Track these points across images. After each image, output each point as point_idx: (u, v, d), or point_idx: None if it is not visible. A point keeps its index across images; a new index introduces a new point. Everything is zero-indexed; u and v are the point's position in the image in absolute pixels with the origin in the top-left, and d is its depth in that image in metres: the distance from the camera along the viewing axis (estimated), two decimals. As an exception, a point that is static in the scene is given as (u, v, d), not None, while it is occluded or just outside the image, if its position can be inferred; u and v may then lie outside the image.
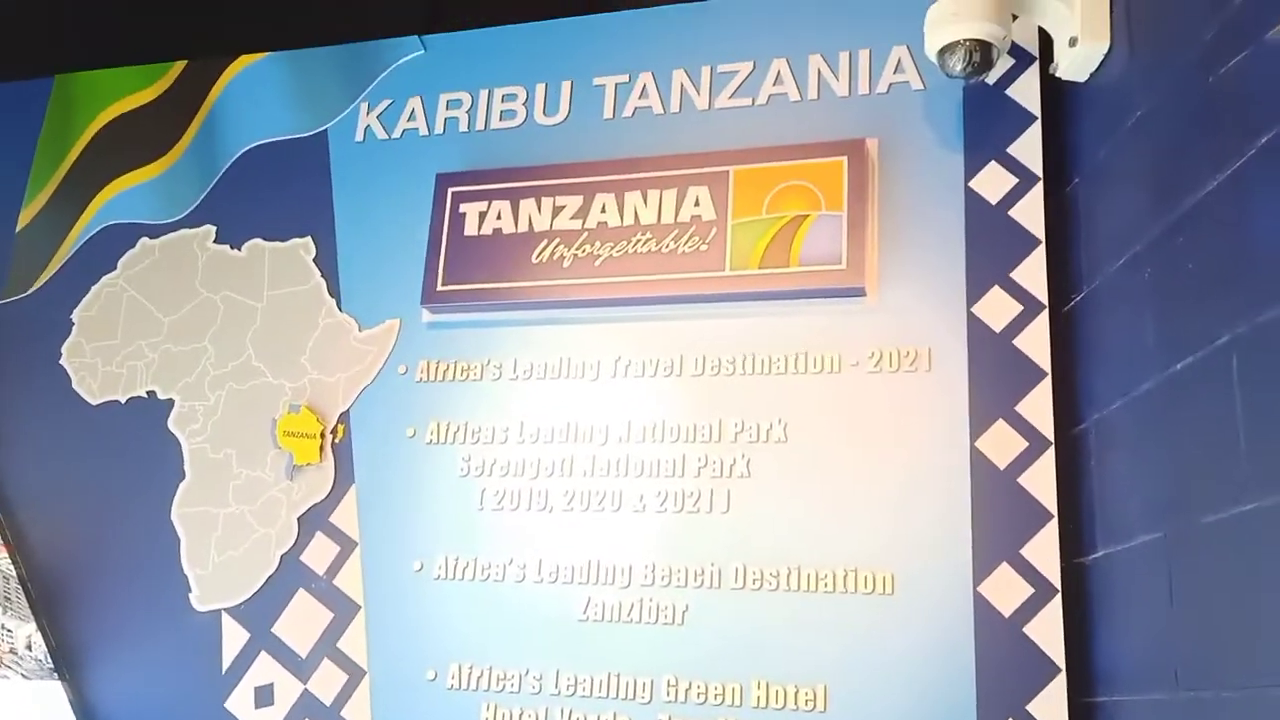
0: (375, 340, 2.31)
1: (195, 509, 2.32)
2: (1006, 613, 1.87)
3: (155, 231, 2.60)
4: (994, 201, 2.06)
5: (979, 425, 1.97)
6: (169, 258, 2.57)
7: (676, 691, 1.98)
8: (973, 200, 2.07)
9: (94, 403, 2.50)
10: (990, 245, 2.04)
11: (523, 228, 2.30)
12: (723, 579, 2.02)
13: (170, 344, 2.48)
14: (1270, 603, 1.27)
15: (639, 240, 2.22)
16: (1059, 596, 1.85)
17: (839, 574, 1.96)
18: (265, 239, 2.50)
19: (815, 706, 1.91)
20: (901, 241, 2.09)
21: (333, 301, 2.39)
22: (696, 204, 2.21)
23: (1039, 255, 2.01)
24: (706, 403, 2.13)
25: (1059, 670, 1.82)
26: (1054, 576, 1.86)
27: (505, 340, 2.26)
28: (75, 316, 2.58)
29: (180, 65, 2.74)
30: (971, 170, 2.09)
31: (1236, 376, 1.37)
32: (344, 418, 2.29)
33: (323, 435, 2.26)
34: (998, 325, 2.00)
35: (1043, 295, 1.99)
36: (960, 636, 1.88)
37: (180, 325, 2.49)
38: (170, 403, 2.42)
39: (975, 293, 2.02)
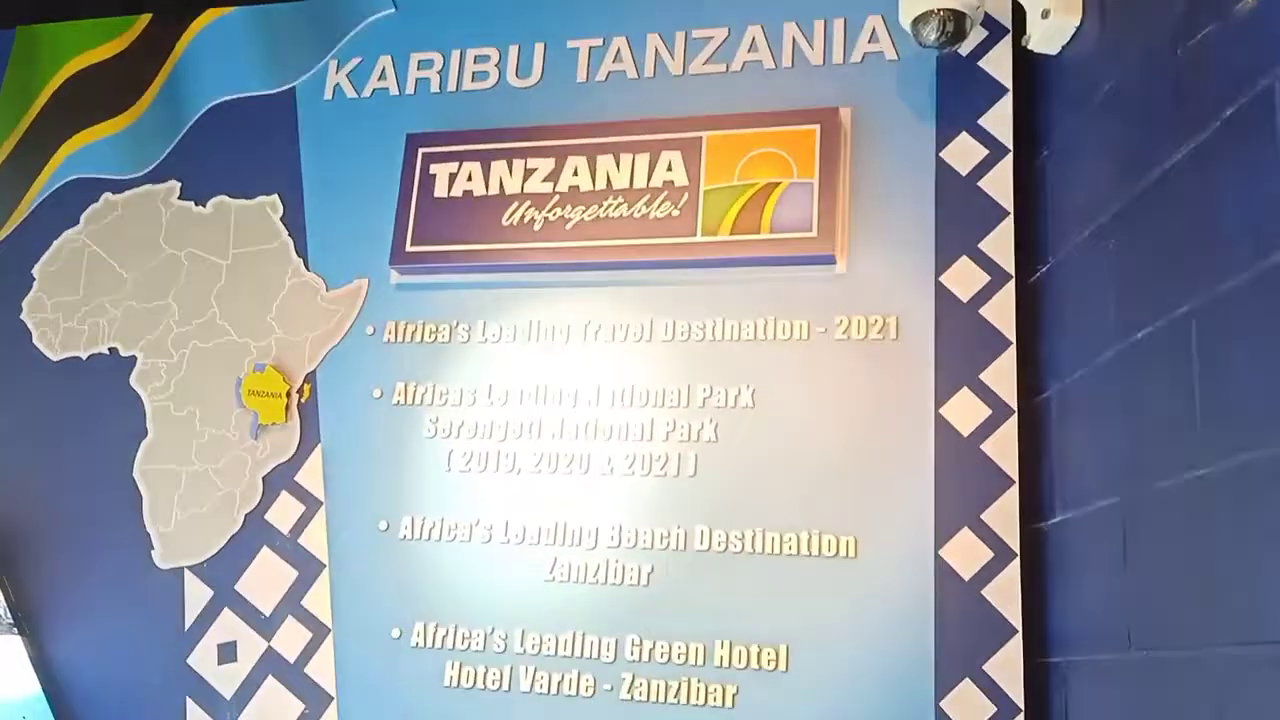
0: (343, 300, 2.30)
1: (158, 466, 2.30)
2: (966, 576, 1.90)
3: (119, 186, 2.56)
4: (964, 172, 2.08)
5: (944, 393, 2.00)
6: (132, 213, 2.53)
7: (641, 651, 2.00)
8: (943, 171, 2.09)
9: (55, 359, 2.46)
10: (959, 216, 2.06)
11: (493, 190, 2.29)
12: (689, 542, 2.04)
13: (133, 300, 2.45)
14: (1220, 565, 1.31)
15: (610, 204, 2.22)
16: (1017, 560, 1.89)
17: (803, 538, 1.99)
18: (231, 196, 2.47)
19: (778, 666, 1.94)
20: (872, 210, 2.11)
21: (300, 260, 2.37)
22: (669, 169, 2.21)
23: (1007, 226, 2.03)
24: (676, 368, 2.14)
25: (1015, 631, 1.86)
26: (1013, 541, 1.90)
27: (474, 302, 2.26)
28: (36, 271, 2.54)
29: (145, 19, 2.68)
30: (943, 141, 2.10)
31: (1195, 346, 1.40)
32: (310, 378, 2.27)
33: (288, 395, 2.25)
34: (965, 295, 2.03)
35: (1010, 266, 2.01)
36: (920, 599, 1.91)
37: (143, 282, 2.46)
38: (132, 360, 2.39)
39: (943, 262, 2.04)
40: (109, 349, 2.41)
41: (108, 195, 2.56)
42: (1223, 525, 1.31)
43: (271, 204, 2.43)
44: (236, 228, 2.44)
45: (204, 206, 2.48)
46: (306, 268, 2.36)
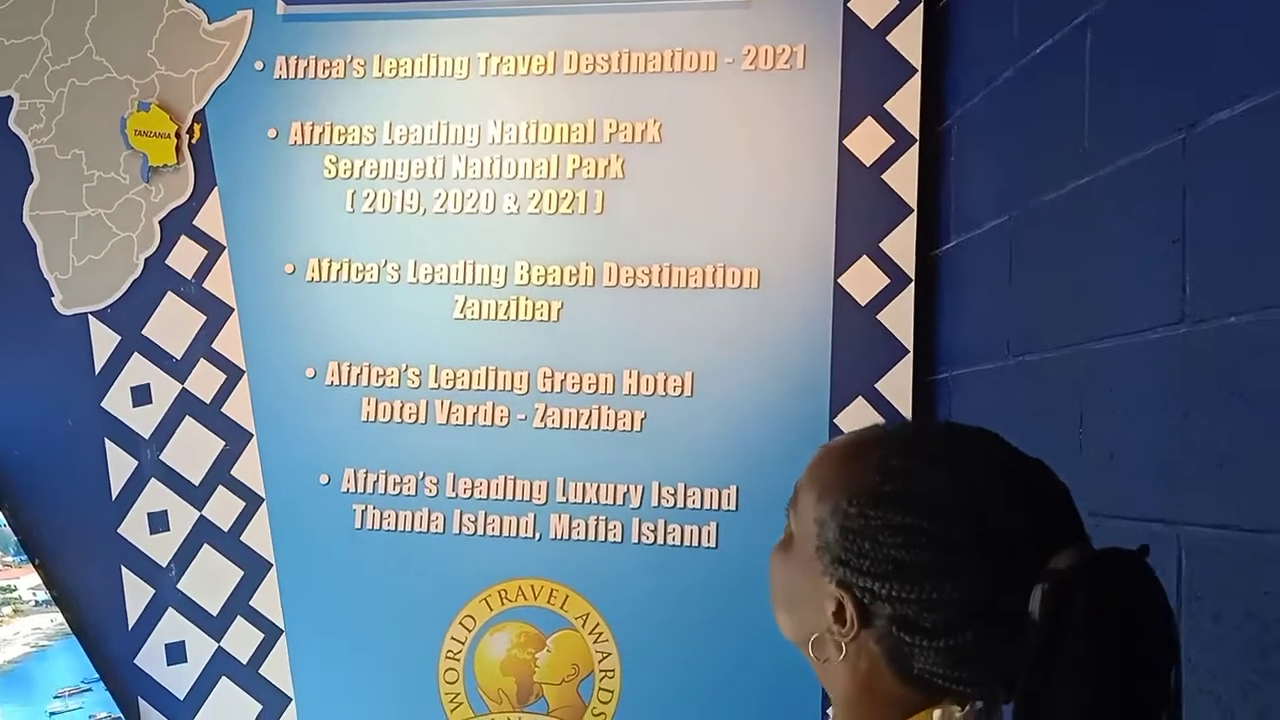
0: (226, 33, 2.16)
1: (48, 212, 2.21)
2: (863, 301, 1.98)
3: (-34, -92, 2.31)
4: (876, -111, 1.99)
5: (849, 123, 2.00)
6: (-14, -61, 2.30)
7: (552, 383, 2.06)
8: (855, -113, 2.00)
9: (-79, 101, 2.30)
10: (869, -63, 1.99)
11: (383, -91, 2.13)
12: (597, 277, 2.07)
13: (2, 36, 2.27)
14: (1095, 269, 1.37)
15: (509, -75, 2.09)
16: (912, 286, 1.96)
17: (708, 270, 2.03)
18: (95, -82, 2.26)
19: (683, 392, 2.02)
20: (781, -70, 2.02)
21: (178, -10, 2.21)
22: (570, -115, 2.08)
23: (916, -52, 1.97)
24: (582, 102, 2.10)
25: (906, 352, 1.95)
26: (909, 267, 1.96)
27: (367, 34, 2.15)
28: (-114, 6, 2.33)
29: None
30: None
31: (1089, 56, 1.41)
32: (199, 117, 2.17)
33: (178, 135, 2.15)
34: (872, 20, 1.99)
35: (917, -11, 1.97)
36: (819, 325, 1.99)
37: (10, 14, 2.27)
38: (8, 100, 2.25)
39: (852, -14, 1.99)
40: (-19, 90, 2.26)
41: (-45, -82, 2.32)
42: (1100, 230, 1.36)
43: (141, -72, 2.23)
44: (105, -46, 2.25)
45: (66, -70, 2.27)
46: (185, -2, 2.20)
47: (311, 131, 2.15)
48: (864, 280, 1.98)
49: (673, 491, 2.01)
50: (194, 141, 2.16)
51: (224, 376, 2.13)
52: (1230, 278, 1.09)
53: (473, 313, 2.09)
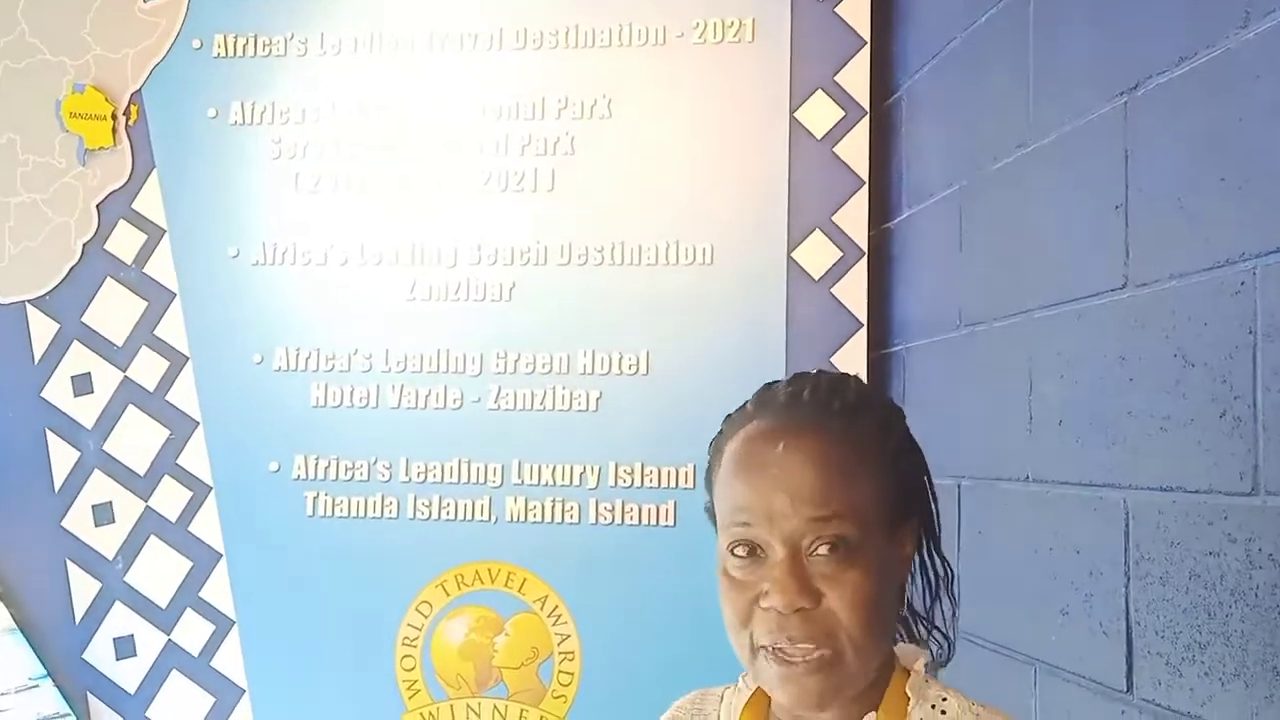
0: (163, 11, 2.11)
1: (-20, 199, 2.15)
2: (816, 275, 1.96)
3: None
4: None
5: (799, 96, 1.98)
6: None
7: (506, 363, 2.04)
8: None
9: None
10: (816, -92, 1.97)
11: (321, -119, 2.08)
12: (548, 256, 2.04)
13: (-74, 18, 2.20)
14: (1039, 235, 1.37)
15: (451, -102, 2.05)
16: (865, 259, 1.95)
17: (661, 247, 2.01)
18: (23, -106, 2.19)
19: (638, 370, 2.01)
20: (728, -99, 2.00)
21: (111, -32, 2.15)
22: None
23: (864, -82, 1.96)
24: (529, 78, 2.06)
25: (861, 325, 1.95)
26: (861, 240, 1.96)
27: (310, 11, 2.10)
28: None
29: None
30: None
31: (1032, 21, 1.40)
32: (136, 98, 2.12)
33: (114, 117, 2.10)
34: (821, -7, 1.98)
35: (866, -38, 1.95)
36: (773, 300, 1.98)
37: (-66, -4, 2.20)
38: (-65, 85, 2.18)
39: (799, -42, 1.97)
40: (-94, 74, 2.18)
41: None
42: (1046, 198, 1.36)
43: (71, -96, 2.16)
44: (34, -68, 2.18)
45: (-8, -93, 2.19)
46: (119, -24, 2.14)
47: (253, 111, 2.10)
48: (817, 254, 1.97)
49: (630, 471, 1.99)
50: (131, 123, 2.10)
51: (168, 364, 2.08)
52: (1171, 241, 1.09)
53: (423, 294, 2.06)
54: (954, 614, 0.88)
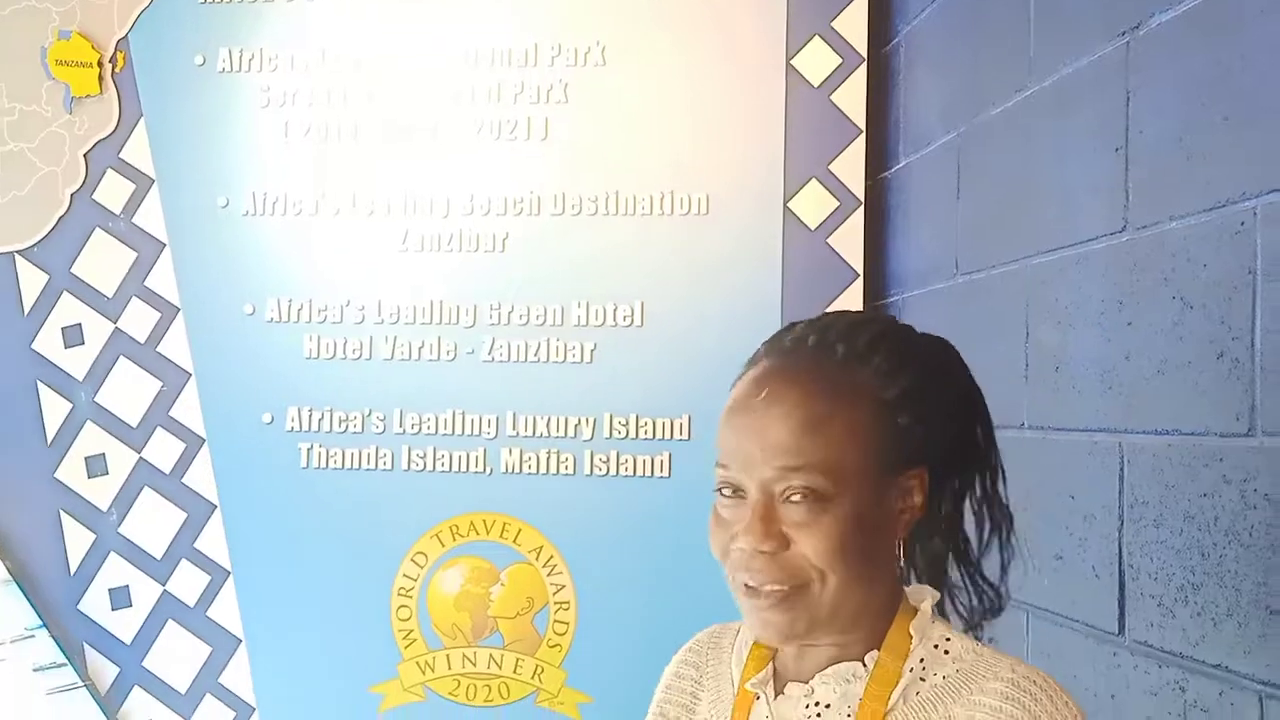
0: (148, -45, 2.07)
1: (-34, 148, 2.12)
2: (813, 225, 1.95)
3: None
4: None
5: (795, 42, 1.95)
6: None
7: (499, 315, 2.02)
8: None
9: None
10: None
11: None
12: (542, 206, 2.02)
13: (-95, -37, 2.16)
14: (1037, 180, 1.36)
15: None
16: (862, 208, 1.94)
17: (656, 196, 1.99)
18: None
19: (633, 322, 1.99)
20: None
21: (94, -89, 2.10)
22: None
23: None
24: (522, 25, 2.03)
25: (857, 275, 1.93)
26: (858, 190, 1.94)
27: (298, -45, 2.06)
28: None
29: None
30: None
31: (1035, -38, 1.37)
32: (122, 45, 2.08)
33: (100, 64, 2.06)
34: (818, -65, 1.94)
35: (864, -97, 1.92)
36: (769, 250, 1.96)
37: (-87, -61, 2.16)
38: (-82, 32, 2.14)
39: (797, -101, 1.94)
40: (-112, 21, 2.14)
41: None
42: (1045, 142, 1.34)
43: None
44: (14, -126, 2.13)
45: None
46: (102, -81, 2.09)
47: (241, 58, 2.07)
48: (814, 203, 1.95)
49: (625, 422, 1.99)
50: (117, 70, 2.07)
51: (159, 315, 2.07)
52: (1172, 183, 1.07)
53: (415, 245, 2.04)
54: (1007, 563, 0.85)
